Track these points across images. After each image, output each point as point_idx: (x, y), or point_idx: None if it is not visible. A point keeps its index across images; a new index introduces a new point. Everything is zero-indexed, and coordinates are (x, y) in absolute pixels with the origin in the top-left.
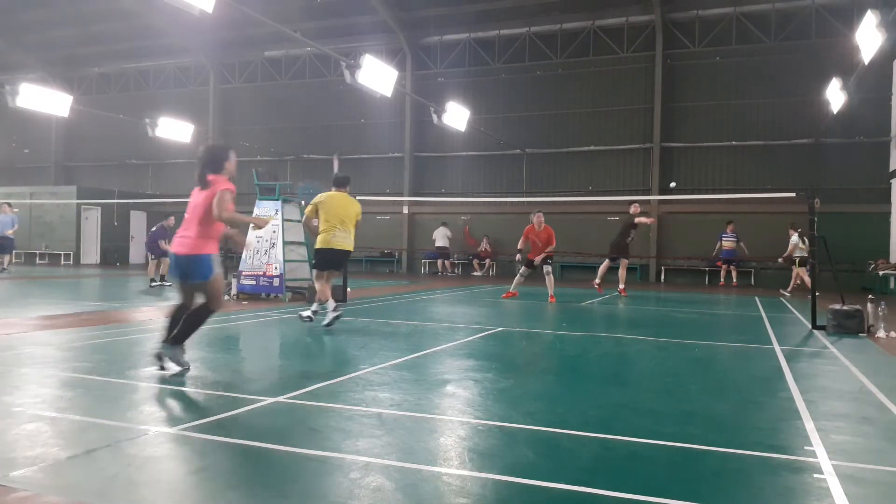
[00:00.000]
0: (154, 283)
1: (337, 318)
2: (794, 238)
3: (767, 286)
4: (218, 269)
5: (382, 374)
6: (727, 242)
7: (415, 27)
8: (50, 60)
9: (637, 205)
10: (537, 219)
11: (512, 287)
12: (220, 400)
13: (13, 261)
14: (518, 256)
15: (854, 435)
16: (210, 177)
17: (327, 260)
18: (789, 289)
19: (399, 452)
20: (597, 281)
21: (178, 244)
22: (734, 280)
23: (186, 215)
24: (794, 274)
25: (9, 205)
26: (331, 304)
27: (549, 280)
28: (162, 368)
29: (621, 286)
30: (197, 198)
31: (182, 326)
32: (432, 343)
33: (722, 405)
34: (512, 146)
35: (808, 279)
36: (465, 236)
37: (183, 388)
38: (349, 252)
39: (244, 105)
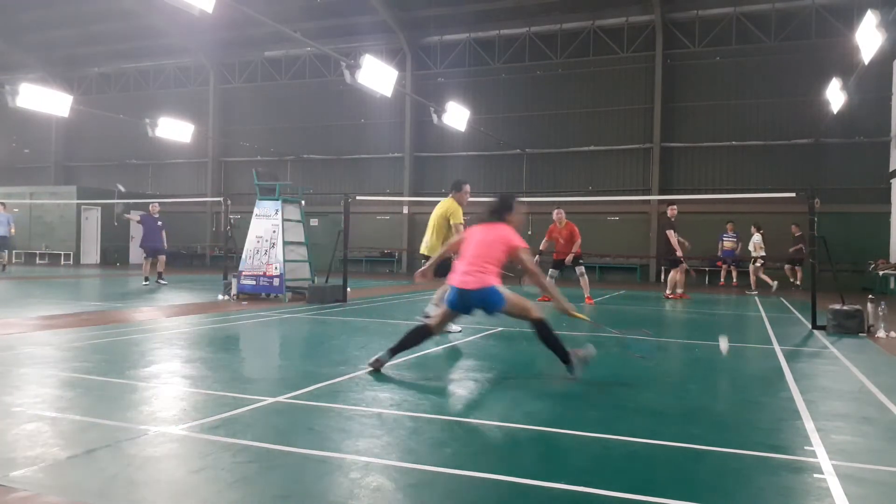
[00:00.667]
0: (146, 282)
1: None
2: (757, 237)
3: (767, 286)
4: (506, 291)
5: (382, 374)
6: (728, 242)
7: (415, 27)
8: (50, 60)
9: (674, 207)
10: (557, 215)
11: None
12: (221, 400)
13: (13, 261)
14: (536, 258)
15: (854, 435)
16: (494, 223)
17: None
18: (754, 287)
19: (399, 452)
20: (669, 291)
21: (464, 280)
22: (734, 280)
23: (469, 250)
24: (751, 270)
25: (2, 205)
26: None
27: (584, 281)
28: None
29: (679, 290)
30: (483, 235)
31: (552, 350)
32: (432, 343)
33: (722, 405)
34: (512, 146)
35: (753, 278)
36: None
37: (183, 388)
38: (424, 256)
39: (244, 105)
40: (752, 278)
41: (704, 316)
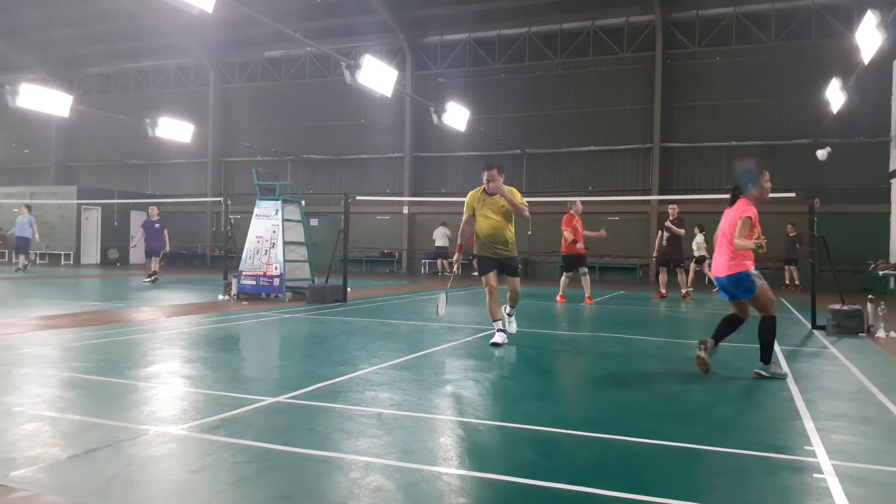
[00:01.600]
0: (147, 280)
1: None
2: (700, 238)
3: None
4: (760, 281)
5: (382, 374)
6: None
7: (415, 27)
8: (50, 60)
9: (673, 206)
10: (577, 208)
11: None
12: (221, 400)
13: (35, 261)
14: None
15: (854, 435)
16: (738, 199)
17: None
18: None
19: (399, 452)
20: (684, 290)
21: (715, 268)
22: None
23: (719, 236)
24: (691, 269)
25: (28, 207)
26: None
27: (586, 280)
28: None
29: (683, 290)
30: (726, 218)
31: (761, 345)
32: (432, 343)
33: (722, 405)
34: (512, 146)
35: (691, 276)
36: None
37: (183, 388)
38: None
39: (244, 105)
40: (690, 276)
41: (704, 316)
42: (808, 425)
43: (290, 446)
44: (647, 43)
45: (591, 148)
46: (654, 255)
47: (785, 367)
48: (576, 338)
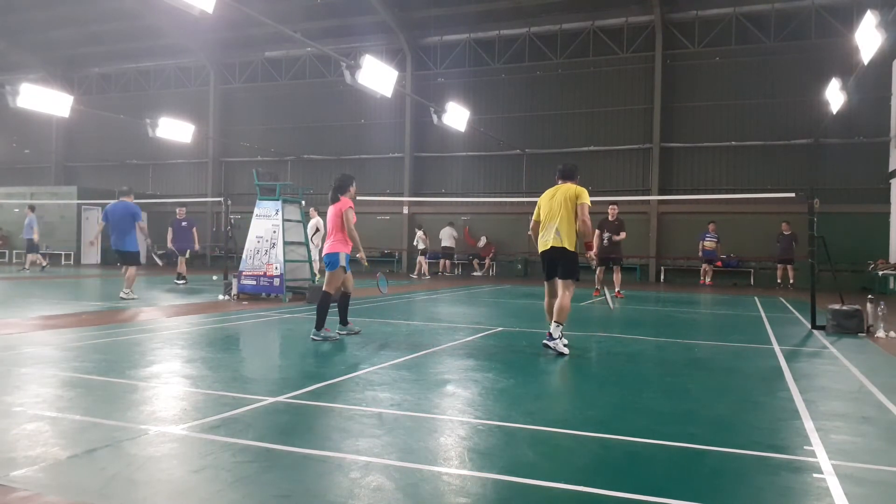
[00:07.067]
0: (179, 282)
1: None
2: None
3: (767, 286)
4: (341, 265)
5: (382, 374)
6: (708, 242)
7: (415, 27)
8: (50, 60)
9: (614, 207)
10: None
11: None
12: (221, 400)
13: (43, 262)
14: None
15: (853, 435)
16: (341, 198)
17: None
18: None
19: (399, 452)
20: (618, 288)
21: (327, 247)
22: (709, 279)
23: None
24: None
25: (30, 208)
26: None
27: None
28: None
29: (616, 289)
30: (332, 212)
31: (316, 313)
32: (432, 343)
33: (722, 405)
34: (512, 146)
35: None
36: (464, 236)
37: (183, 388)
38: (561, 250)
39: (244, 105)
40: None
41: (704, 316)
42: (808, 425)
43: (290, 446)
44: (647, 43)
45: (591, 148)
46: (594, 252)
47: (334, 333)
48: (575, 338)
